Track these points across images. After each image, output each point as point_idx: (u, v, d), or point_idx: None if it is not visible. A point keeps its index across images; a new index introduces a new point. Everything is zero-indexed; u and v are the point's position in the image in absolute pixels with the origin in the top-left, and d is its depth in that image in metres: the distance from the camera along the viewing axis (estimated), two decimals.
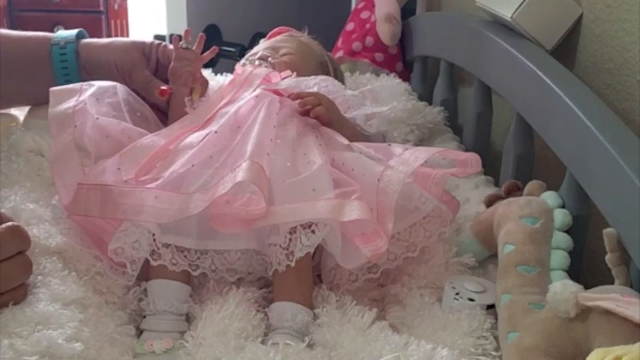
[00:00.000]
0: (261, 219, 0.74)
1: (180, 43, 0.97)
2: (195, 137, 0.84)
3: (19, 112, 1.03)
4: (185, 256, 0.78)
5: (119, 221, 0.76)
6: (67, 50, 0.98)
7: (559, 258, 0.76)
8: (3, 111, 1.02)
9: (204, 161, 0.80)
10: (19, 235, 0.67)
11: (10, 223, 0.67)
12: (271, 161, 0.79)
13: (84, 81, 0.93)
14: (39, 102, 0.98)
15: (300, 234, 0.75)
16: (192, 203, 0.74)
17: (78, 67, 0.98)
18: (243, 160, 0.75)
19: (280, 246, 0.75)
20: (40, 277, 0.69)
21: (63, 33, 1.01)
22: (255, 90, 0.92)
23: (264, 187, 0.75)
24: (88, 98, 0.88)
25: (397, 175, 0.77)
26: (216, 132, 0.83)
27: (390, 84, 1.25)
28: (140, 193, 0.75)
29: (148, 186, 0.76)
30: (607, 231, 0.72)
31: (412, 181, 0.80)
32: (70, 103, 0.87)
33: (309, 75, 0.99)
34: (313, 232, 0.75)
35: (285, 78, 0.96)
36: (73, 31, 1.01)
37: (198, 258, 0.78)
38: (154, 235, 0.76)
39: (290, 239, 0.75)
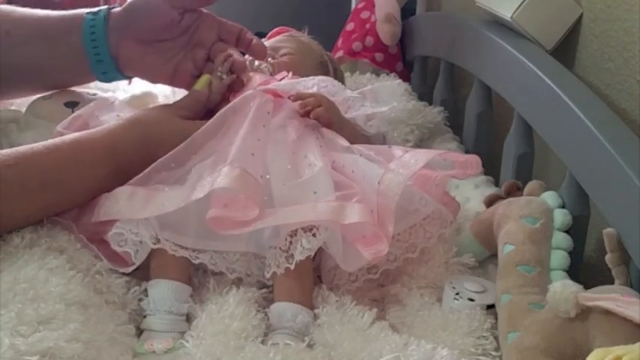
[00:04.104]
0: (260, 220, 0.74)
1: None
2: None
3: (19, 110, 1.02)
4: (185, 249, 0.78)
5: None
6: (97, 17, 0.92)
7: (559, 258, 0.76)
8: (2, 108, 1.02)
9: (184, 160, 0.80)
10: None
11: None
12: (262, 160, 0.78)
13: (113, 50, 0.92)
14: (57, 82, 0.97)
15: (300, 237, 0.74)
16: (168, 201, 0.75)
17: (107, 34, 0.93)
18: (224, 165, 0.75)
19: (280, 248, 0.75)
20: (46, 274, 0.68)
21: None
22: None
23: (252, 189, 0.74)
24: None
25: (397, 178, 0.77)
26: (203, 131, 0.83)
27: (391, 84, 1.25)
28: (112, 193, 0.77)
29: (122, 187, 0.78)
30: (607, 231, 0.72)
31: (412, 184, 0.79)
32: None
33: (309, 75, 0.99)
34: (314, 235, 0.74)
35: (282, 79, 0.96)
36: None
37: (197, 255, 0.78)
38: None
39: (290, 242, 0.74)
